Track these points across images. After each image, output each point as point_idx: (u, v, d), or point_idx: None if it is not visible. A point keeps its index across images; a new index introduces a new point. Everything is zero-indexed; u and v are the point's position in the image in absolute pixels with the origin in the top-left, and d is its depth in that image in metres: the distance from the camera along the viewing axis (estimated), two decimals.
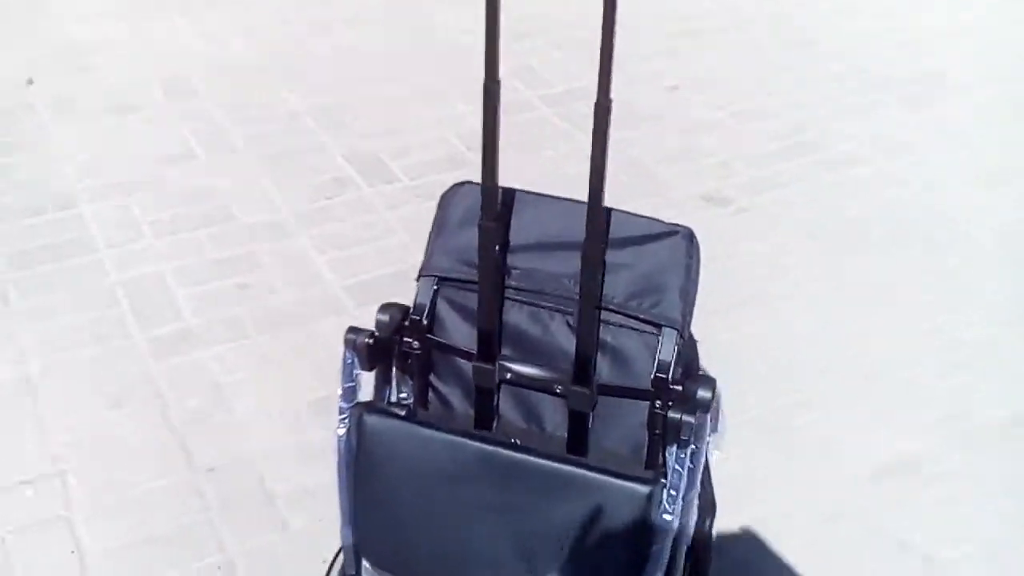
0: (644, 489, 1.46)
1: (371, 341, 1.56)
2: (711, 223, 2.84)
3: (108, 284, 2.73)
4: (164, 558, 2.04)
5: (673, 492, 1.47)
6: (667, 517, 1.47)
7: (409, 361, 1.68)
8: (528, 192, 1.66)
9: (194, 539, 2.07)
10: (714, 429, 1.78)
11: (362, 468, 1.59)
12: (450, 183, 1.67)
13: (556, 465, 1.49)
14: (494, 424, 1.69)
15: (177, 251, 2.85)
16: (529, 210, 1.64)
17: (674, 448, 1.47)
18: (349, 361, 1.58)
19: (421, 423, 1.57)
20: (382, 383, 1.69)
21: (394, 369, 1.66)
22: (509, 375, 1.62)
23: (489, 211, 1.52)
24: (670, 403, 1.51)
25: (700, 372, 1.75)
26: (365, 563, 1.65)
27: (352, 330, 1.57)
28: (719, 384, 1.74)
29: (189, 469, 2.22)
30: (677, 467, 1.47)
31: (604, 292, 1.58)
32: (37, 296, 2.69)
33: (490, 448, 1.51)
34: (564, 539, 1.51)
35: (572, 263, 1.57)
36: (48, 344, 2.54)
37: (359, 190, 3.11)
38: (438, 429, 1.56)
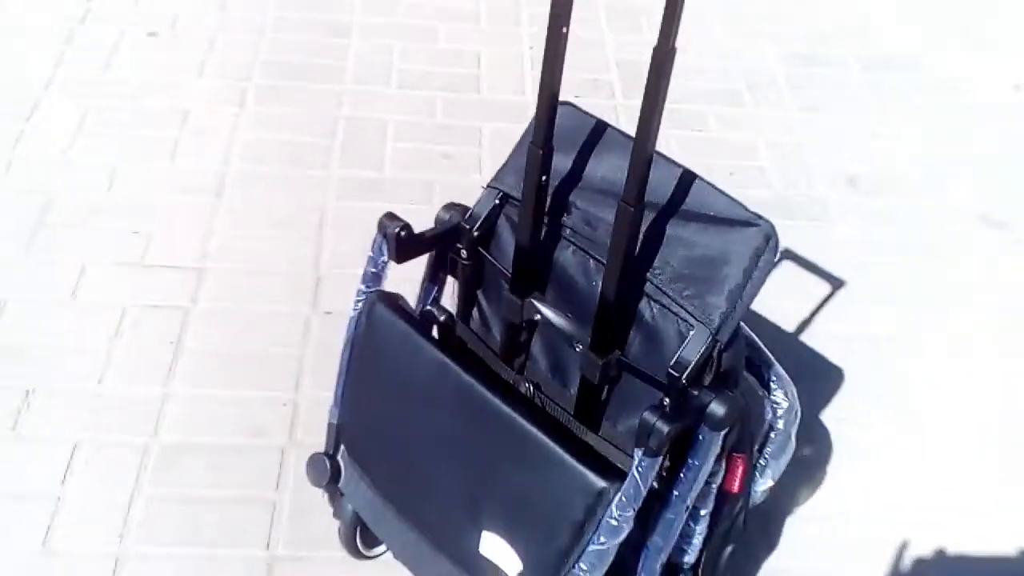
0: (598, 484, 1.32)
1: (402, 233, 1.48)
2: None
3: (335, 116, 2.80)
4: (242, 377, 2.11)
5: (623, 499, 1.30)
6: (612, 522, 1.31)
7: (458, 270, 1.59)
8: (623, 133, 1.48)
9: (277, 371, 2.13)
10: (775, 455, 1.57)
11: (359, 355, 1.55)
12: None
13: (526, 426, 1.37)
14: (521, 362, 1.58)
15: (409, 106, 2.86)
16: (616, 152, 1.47)
17: (639, 452, 1.29)
18: (378, 245, 1.51)
19: (423, 333, 1.48)
20: (430, 283, 1.63)
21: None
22: (537, 316, 1.49)
23: (539, 133, 1.37)
24: (665, 404, 1.32)
25: (755, 391, 1.53)
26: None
27: (388, 216, 1.50)
28: (798, 412, 1.54)
29: (311, 305, 2.27)
30: (635, 475, 1.30)
31: (654, 263, 1.40)
32: (273, 105, 2.81)
33: (473, 384, 1.41)
34: (511, 501, 1.41)
35: (644, 220, 1.40)
36: (256, 150, 2.65)
37: None
38: (435, 344, 1.47)
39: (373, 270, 1.53)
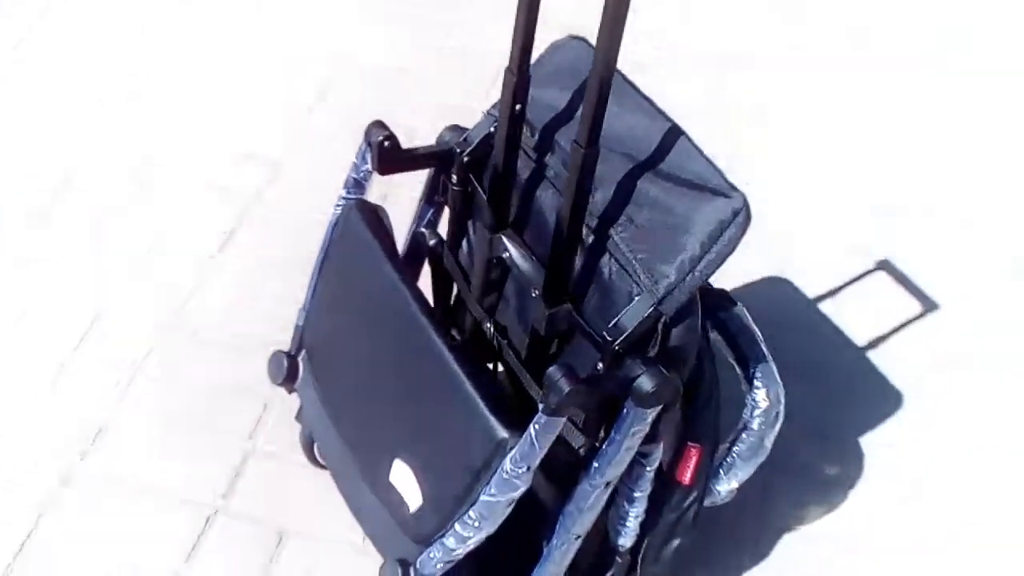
0: (499, 434, 1.26)
1: (386, 143, 1.44)
2: None
3: None
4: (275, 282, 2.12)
5: (517, 455, 1.23)
6: (504, 475, 1.25)
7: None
8: (626, 79, 1.39)
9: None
10: (744, 457, 1.47)
11: (330, 261, 1.53)
12: None
13: (451, 364, 1.32)
14: (492, 302, 1.52)
15: None
16: (614, 95, 1.38)
17: (540, 409, 1.22)
18: (362, 153, 1.48)
19: (386, 250, 1.45)
20: (425, 204, 1.59)
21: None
22: (505, 254, 1.43)
23: (514, 58, 1.30)
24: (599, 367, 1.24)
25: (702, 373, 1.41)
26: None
27: (375, 123, 1.46)
28: (779, 416, 1.42)
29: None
30: (531, 431, 1.23)
31: (620, 218, 1.31)
32: None
33: (416, 313, 1.37)
34: (424, 436, 1.37)
35: (617, 170, 1.32)
36: None
37: None
38: (395, 264, 1.44)
39: (355, 176, 1.50)
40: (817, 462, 1.93)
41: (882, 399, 2.04)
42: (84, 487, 1.78)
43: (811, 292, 2.19)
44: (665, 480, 1.46)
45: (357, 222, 1.47)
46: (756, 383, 1.48)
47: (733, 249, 1.25)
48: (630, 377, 1.24)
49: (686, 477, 1.47)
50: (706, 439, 1.46)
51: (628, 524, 1.46)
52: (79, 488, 1.78)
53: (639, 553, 1.53)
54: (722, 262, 1.25)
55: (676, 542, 1.53)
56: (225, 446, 1.84)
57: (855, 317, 2.14)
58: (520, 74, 1.30)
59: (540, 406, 1.21)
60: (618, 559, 1.52)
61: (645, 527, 1.49)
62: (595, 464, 1.32)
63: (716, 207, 1.25)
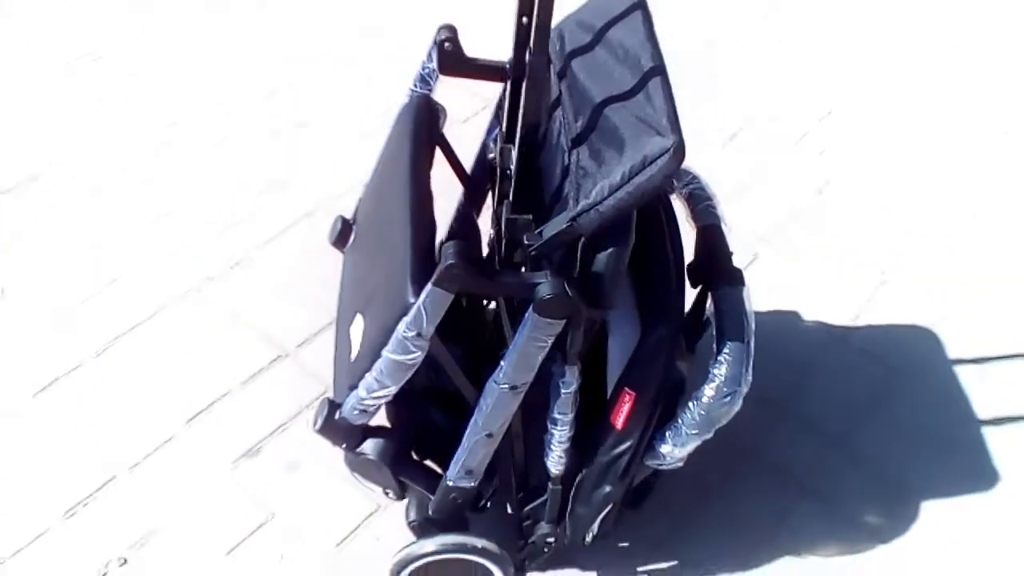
0: (408, 299, 1.36)
1: (446, 45, 1.57)
2: None
3: None
4: None
5: (409, 319, 1.35)
6: (399, 336, 1.37)
7: None
8: (648, 20, 1.44)
9: None
10: (688, 425, 1.48)
11: (384, 145, 1.70)
12: None
13: (406, 229, 1.44)
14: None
15: None
16: (631, 31, 1.45)
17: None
18: (429, 50, 1.62)
19: (417, 140, 1.58)
20: (494, 117, 1.71)
21: None
22: (510, 167, 1.53)
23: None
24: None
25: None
26: None
27: (445, 26, 1.59)
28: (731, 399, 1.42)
29: None
30: (421, 301, 1.33)
31: (584, 141, 1.38)
32: None
33: (405, 187, 1.50)
34: (376, 291, 1.49)
35: (597, 98, 1.38)
36: None
37: None
38: (413, 151, 1.57)
39: (421, 72, 1.64)
40: (863, 503, 1.83)
41: (971, 477, 1.89)
42: None
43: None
44: (605, 423, 1.49)
45: (407, 114, 1.62)
46: (720, 358, 1.46)
47: (654, 185, 1.26)
48: (534, 283, 1.30)
49: (619, 421, 1.48)
50: (645, 390, 1.46)
51: (553, 448, 1.49)
52: None
53: (571, 488, 1.56)
54: (641, 194, 1.26)
55: (607, 488, 1.54)
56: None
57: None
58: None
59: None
60: (551, 486, 1.56)
61: (579, 463, 1.53)
62: (501, 364, 1.39)
63: (649, 143, 1.27)
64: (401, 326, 1.35)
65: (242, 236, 2.24)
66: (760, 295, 1.97)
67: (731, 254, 1.61)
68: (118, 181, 2.37)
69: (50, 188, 2.34)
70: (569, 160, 1.38)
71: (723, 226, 1.66)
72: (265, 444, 1.86)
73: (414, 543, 1.58)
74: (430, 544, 1.57)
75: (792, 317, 2.15)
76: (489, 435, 1.47)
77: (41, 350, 1.99)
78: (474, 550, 1.57)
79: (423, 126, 1.61)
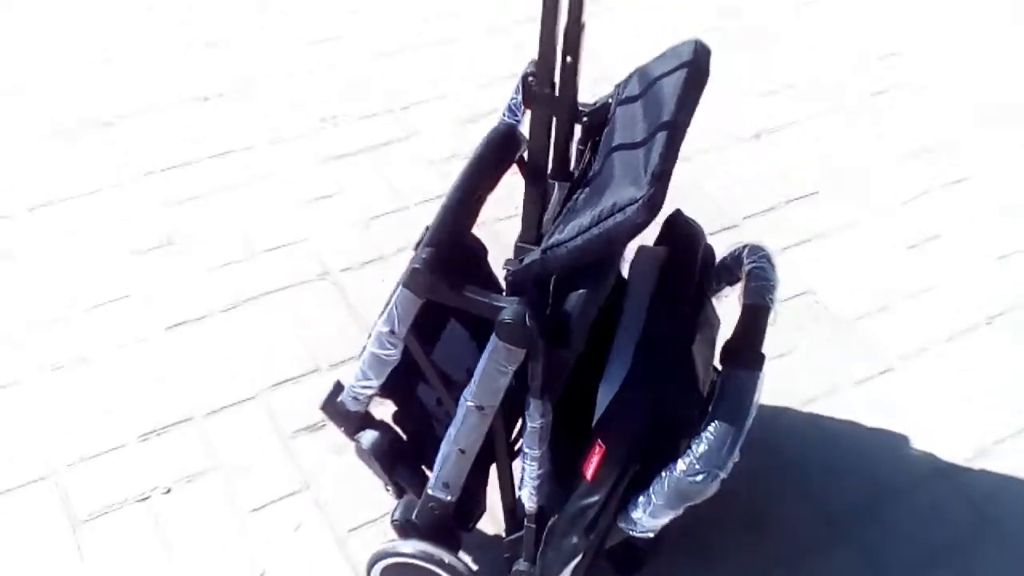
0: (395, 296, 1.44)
1: (531, 80, 1.64)
2: None
3: None
4: None
5: (384, 317, 1.43)
6: (377, 330, 1.45)
7: None
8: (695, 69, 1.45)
9: None
10: (658, 495, 1.46)
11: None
12: None
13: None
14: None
15: None
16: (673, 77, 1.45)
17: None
18: (518, 83, 1.69)
19: (486, 162, 1.63)
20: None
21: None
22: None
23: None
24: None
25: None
26: None
27: (532, 62, 1.66)
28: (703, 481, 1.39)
29: None
30: (393, 302, 1.40)
31: (591, 183, 1.41)
32: None
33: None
34: None
35: (615, 144, 1.41)
36: None
37: None
38: (476, 170, 1.63)
39: (511, 103, 1.71)
40: None
41: None
42: None
43: None
44: (578, 471, 1.49)
45: (485, 138, 1.69)
46: (703, 435, 1.42)
47: (622, 231, 1.25)
48: (499, 306, 1.34)
49: (588, 472, 1.47)
50: (615, 446, 1.44)
51: (526, 483, 1.50)
52: None
53: (544, 528, 1.56)
54: (608, 239, 1.26)
55: (573, 539, 1.51)
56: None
57: None
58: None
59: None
60: (526, 522, 1.57)
61: (552, 505, 1.53)
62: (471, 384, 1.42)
63: (624, 192, 1.27)
64: (379, 321, 1.42)
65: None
66: (882, 408, 1.95)
67: (761, 341, 1.55)
68: None
69: None
70: (572, 198, 1.40)
71: (771, 311, 1.60)
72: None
73: (394, 540, 1.63)
74: (406, 546, 1.61)
75: (901, 438, 2.00)
76: (462, 451, 1.50)
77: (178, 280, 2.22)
78: (441, 564, 1.60)
79: (495, 151, 1.66)
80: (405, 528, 1.63)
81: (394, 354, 1.44)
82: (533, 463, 1.48)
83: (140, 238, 2.32)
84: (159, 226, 2.36)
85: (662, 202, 1.26)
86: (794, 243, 2.40)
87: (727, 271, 1.70)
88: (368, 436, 1.60)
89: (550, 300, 1.34)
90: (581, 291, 1.33)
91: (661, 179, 1.26)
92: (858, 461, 1.95)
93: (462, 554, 1.64)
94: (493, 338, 1.35)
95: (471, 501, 1.65)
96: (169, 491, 1.86)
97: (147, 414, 1.98)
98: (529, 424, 1.43)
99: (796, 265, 2.34)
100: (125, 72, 2.81)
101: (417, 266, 1.34)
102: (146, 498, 1.86)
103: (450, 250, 1.41)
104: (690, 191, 2.51)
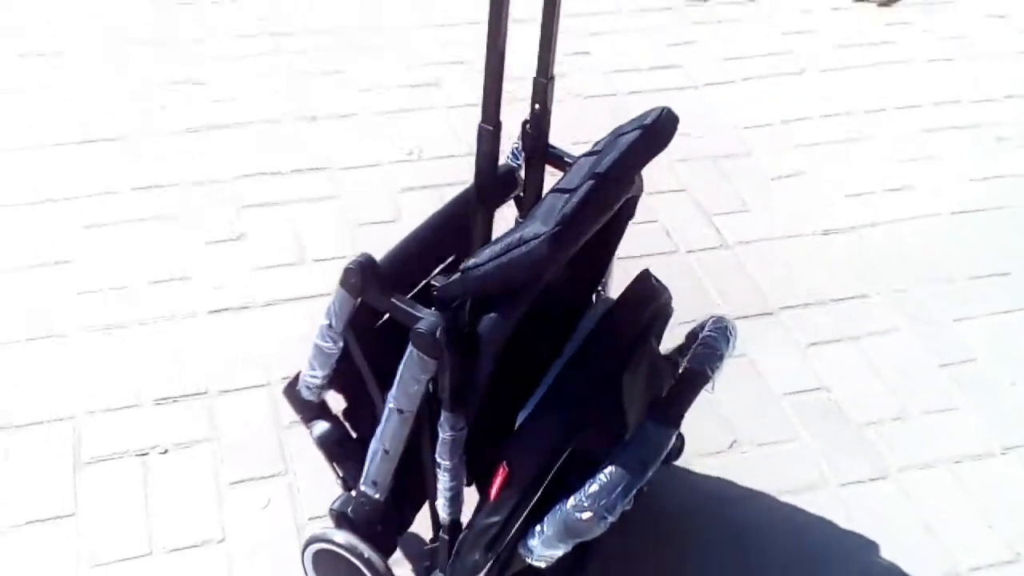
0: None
1: (528, 128, 1.74)
2: None
3: None
4: None
5: (327, 311, 1.56)
6: (322, 322, 1.58)
7: None
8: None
9: None
10: (550, 525, 1.54)
11: None
12: None
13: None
14: None
15: None
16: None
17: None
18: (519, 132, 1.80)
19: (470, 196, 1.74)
20: None
21: None
22: None
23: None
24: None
25: None
26: None
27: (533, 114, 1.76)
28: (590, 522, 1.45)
29: None
30: (332, 300, 1.54)
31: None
32: None
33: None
34: None
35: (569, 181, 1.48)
36: None
37: None
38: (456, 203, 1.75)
39: (513, 147, 1.81)
40: None
41: None
42: None
43: None
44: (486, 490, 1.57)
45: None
46: (598, 476, 1.48)
47: (525, 263, 1.35)
48: (417, 316, 1.45)
49: (491, 493, 1.55)
50: (518, 470, 1.52)
51: (440, 493, 1.59)
52: None
53: (455, 544, 1.64)
54: (513, 268, 1.35)
55: (476, 556, 1.58)
56: None
57: None
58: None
59: None
60: (441, 535, 1.65)
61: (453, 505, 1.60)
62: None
63: (534, 228, 1.36)
64: (324, 314, 1.55)
65: None
66: (864, 513, 2.00)
67: (686, 403, 1.60)
68: None
69: None
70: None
71: (709, 379, 1.64)
72: None
73: (329, 528, 1.74)
74: (336, 535, 1.72)
75: (871, 546, 1.99)
76: (386, 451, 1.61)
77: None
78: (362, 558, 1.70)
79: (493, 187, 1.77)
80: (340, 519, 1.73)
81: (333, 348, 1.57)
82: (445, 474, 1.56)
83: (216, 231, 2.54)
84: (234, 224, 2.57)
85: (566, 241, 1.36)
86: (825, 340, 2.40)
87: (691, 336, 1.76)
88: (319, 426, 1.73)
89: (467, 318, 1.44)
90: (492, 315, 1.42)
91: (568, 222, 1.36)
92: (817, 562, 1.94)
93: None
94: (409, 346, 1.45)
95: (408, 507, 1.75)
96: (166, 452, 2.04)
97: (169, 382, 2.16)
98: (441, 435, 1.52)
99: (819, 360, 2.35)
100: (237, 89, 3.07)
101: (350, 267, 1.47)
102: (144, 454, 2.03)
103: (397, 262, 1.54)
104: (734, 274, 2.56)
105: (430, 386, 1.49)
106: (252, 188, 2.68)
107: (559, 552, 1.52)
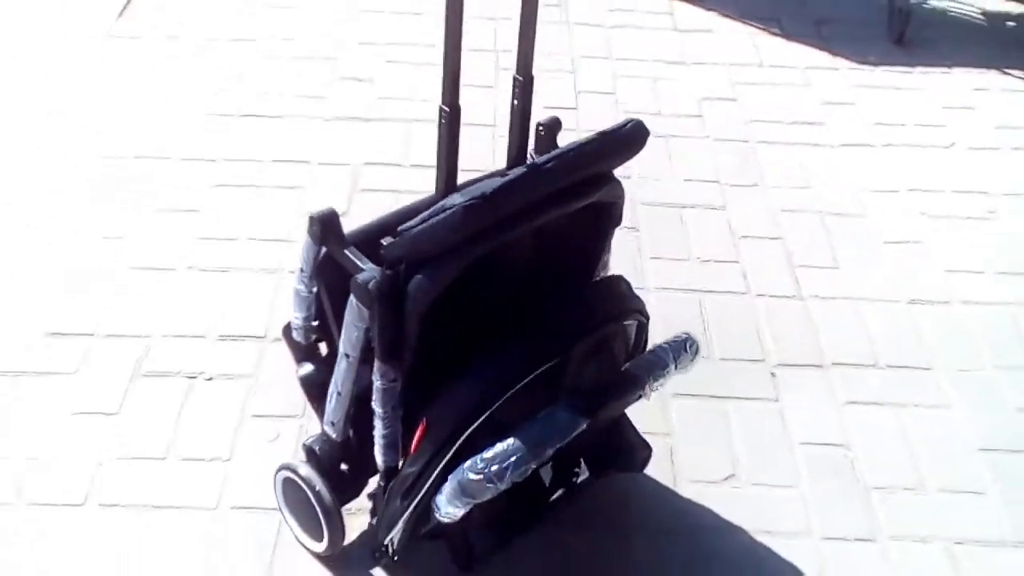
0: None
1: (541, 130, 1.86)
2: None
3: None
4: None
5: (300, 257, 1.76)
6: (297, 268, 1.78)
7: None
8: None
9: None
10: (452, 480, 1.65)
11: None
12: None
13: None
14: None
15: None
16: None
17: None
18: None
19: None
20: None
21: None
22: None
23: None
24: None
25: None
26: None
27: (550, 119, 1.88)
28: (477, 480, 1.57)
29: None
30: (303, 246, 1.73)
31: None
32: None
33: None
34: None
35: None
36: None
37: None
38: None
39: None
40: None
41: None
42: None
43: None
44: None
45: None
46: (498, 445, 1.59)
47: (440, 228, 1.49)
48: (360, 267, 1.62)
49: (411, 445, 1.69)
50: (435, 426, 1.64)
51: (376, 441, 1.73)
52: None
53: (387, 492, 1.77)
54: (428, 236, 1.49)
55: (397, 503, 1.72)
56: None
57: None
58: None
59: None
60: (379, 482, 1.80)
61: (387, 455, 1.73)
62: None
63: (457, 199, 1.51)
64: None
65: None
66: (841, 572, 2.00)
67: (608, 400, 1.67)
68: None
69: None
70: None
71: (645, 386, 1.70)
72: None
73: (299, 461, 1.93)
74: (300, 467, 1.90)
75: None
76: (339, 393, 1.77)
77: None
78: (313, 490, 1.85)
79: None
80: (308, 454, 1.91)
81: (306, 292, 1.76)
82: (379, 422, 1.70)
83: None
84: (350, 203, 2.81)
85: (480, 213, 1.49)
86: (866, 401, 2.36)
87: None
88: (305, 368, 1.92)
89: (402, 277, 1.58)
90: (419, 276, 1.56)
91: (488, 197, 1.49)
92: None
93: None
94: (351, 295, 1.62)
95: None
96: (211, 379, 2.29)
97: (237, 323, 2.43)
98: (375, 383, 1.67)
99: (852, 419, 2.32)
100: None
101: (313, 216, 1.65)
102: (192, 378, 2.30)
103: (371, 229, 1.72)
104: (796, 324, 2.55)
105: (368, 336, 1.64)
106: (369, 173, 2.92)
107: (458, 511, 1.62)
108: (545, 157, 1.57)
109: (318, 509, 1.85)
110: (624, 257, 2.67)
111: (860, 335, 2.52)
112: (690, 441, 2.23)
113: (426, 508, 1.68)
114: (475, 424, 1.62)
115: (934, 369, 2.45)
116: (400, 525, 1.74)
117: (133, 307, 2.46)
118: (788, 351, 2.46)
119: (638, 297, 1.83)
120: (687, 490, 2.13)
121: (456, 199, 1.50)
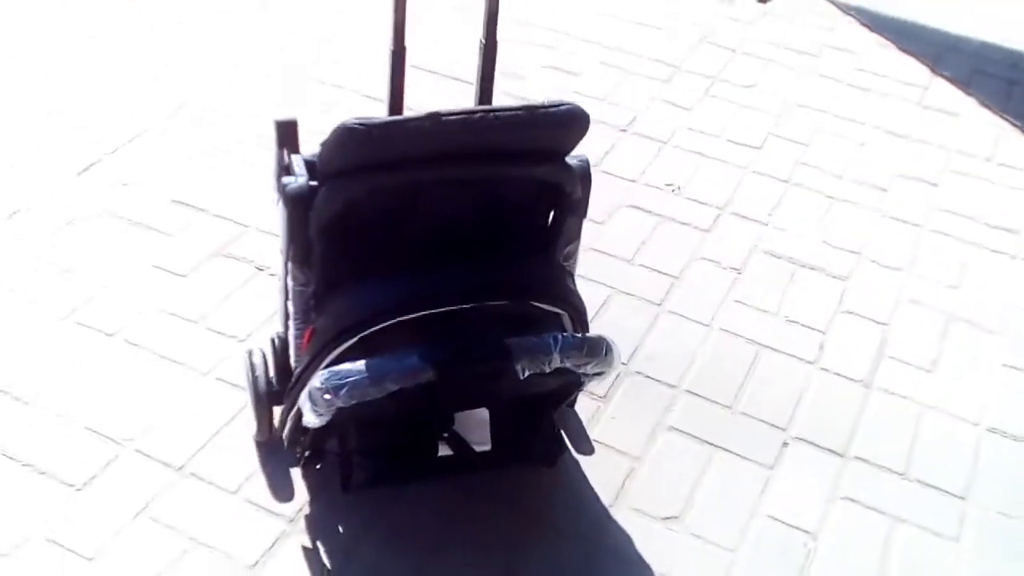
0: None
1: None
2: None
3: None
4: None
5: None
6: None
7: None
8: None
9: None
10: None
11: None
12: None
13: None
14: None
15: None
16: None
17: None
18: None
19: None
20: None
21: None
22: None
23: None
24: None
25: None
26: None
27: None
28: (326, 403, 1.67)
29: None
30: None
31: None
32: None
33: None
34: None
35: None
36: None
37: None
38: None
39: None
40: None
41: None
42: None
43: None
44: None
45: None
46: (339, 367, 1.68)
47: (329, 147, 1.63)
48: (292, 174, 1.77)
49: (302, 346, 1.83)
50: (320, 330, 1.76)
51: (291, 339, 1.90)
52: None
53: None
54: (326, 153, 1.66)
55: (292, 396, 1.83)
56: None
57: None
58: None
59: None
60: (293, 379, 1.93)
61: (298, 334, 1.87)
62: None
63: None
64: None
65: None
66: None
67: (463, 355, 1.70)
68: None
69: None
70: None
71: (513, 360, 1.71)
72: None
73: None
74: (255, 352, 2.07)
75: None
76: (283, 288, 1.92)
77: None
78: (252, 374, 2.03)
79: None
80: (269, 344, 2.08)
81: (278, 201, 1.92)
82: (292, 323, 1.86)
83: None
84: None
85: (361, 140, 1.60)
86: (866, 505, 2.19)
87: None
88: None
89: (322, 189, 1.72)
90: (324, 190, 1.70)
91: (368, 127, 1.60)
92: None
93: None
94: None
95: None
96: (274, 275, 2.53)
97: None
98: (288, 284, 1.82)
99: (837, 515, 2.16)
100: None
101: (275, 120, 1.82)
102: (260, 270, 2.55)
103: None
104: (845, 410, 2.40)
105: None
106: None
107: (314, 419, 1.70)
108: (455, 110, 1.64)
109: (250, 392, 2.02)
110: (708, 292, 2.62)
111: (905, 440, 2.32)
112: (654, 473, 2.18)
113: (299, 412, 1.80)
114: (349, 341, 1.71)
115: (968, 500, 2.20)
116: (289, 424, 1.86)
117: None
118: (815, 429, 2.31)
119: (573, 291, 1.83)
120: (620, 513, 2.09)
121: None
